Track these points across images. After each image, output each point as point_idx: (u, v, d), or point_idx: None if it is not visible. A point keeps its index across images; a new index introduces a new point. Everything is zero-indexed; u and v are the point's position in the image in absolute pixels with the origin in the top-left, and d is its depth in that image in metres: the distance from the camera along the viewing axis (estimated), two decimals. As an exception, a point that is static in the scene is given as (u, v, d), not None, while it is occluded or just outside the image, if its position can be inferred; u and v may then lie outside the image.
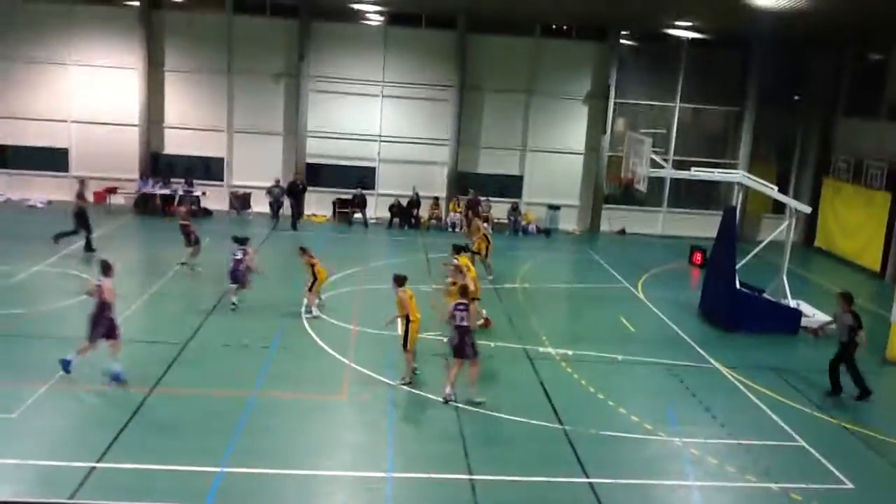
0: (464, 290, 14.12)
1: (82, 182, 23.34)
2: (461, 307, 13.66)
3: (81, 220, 22.13)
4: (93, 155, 30.14)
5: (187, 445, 11.59)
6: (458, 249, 18.36)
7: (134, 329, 16.58)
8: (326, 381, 14.50)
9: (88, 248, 22.28)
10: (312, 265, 18.14)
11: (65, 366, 13.55)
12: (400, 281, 14.48)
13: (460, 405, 13.55)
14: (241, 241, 18.64)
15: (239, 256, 18.25)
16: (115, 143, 30.05)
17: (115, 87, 29.91)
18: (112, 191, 29.32)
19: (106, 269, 13.78)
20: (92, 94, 29.99)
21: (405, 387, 14.33)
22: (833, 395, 15.64)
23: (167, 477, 10.68)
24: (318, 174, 30.96)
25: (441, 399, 13.66)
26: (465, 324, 13.60)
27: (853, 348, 15.54)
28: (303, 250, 18.37)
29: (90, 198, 25.45)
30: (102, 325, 13.49)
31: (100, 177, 29.74)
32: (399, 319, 14.51)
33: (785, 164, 33.05)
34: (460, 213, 30.75)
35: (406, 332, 14.24)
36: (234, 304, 18.18)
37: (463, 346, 13.62)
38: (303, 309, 18.31)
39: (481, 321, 17.09)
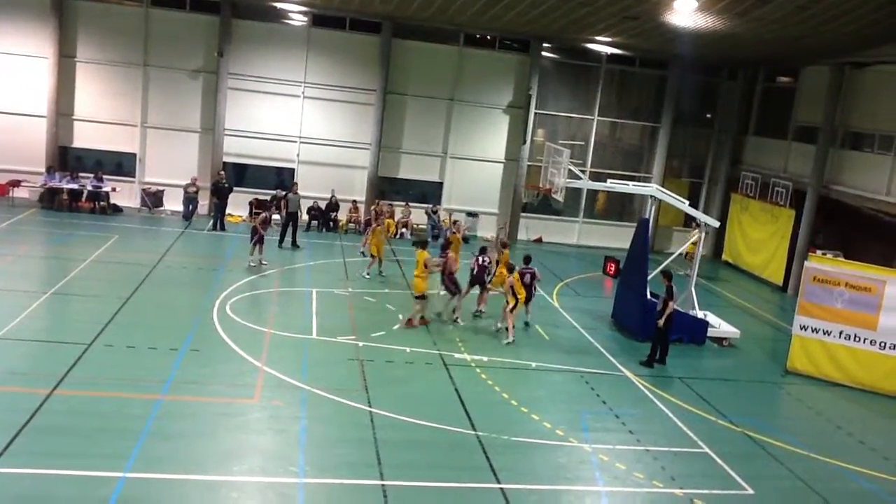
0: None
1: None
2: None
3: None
4: (-4, 145, 28.80)
5: (88, 450, 11.13)
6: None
7: (34, 328, 15.92)
8: (237, 385, 14.17)
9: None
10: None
11: None
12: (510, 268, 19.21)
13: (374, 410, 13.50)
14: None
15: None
16: (21, 135, 28.66)
17: (23, 76, 28.56)
18: (16, 184, 28.03)
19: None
20: (-3, 83, 28.66)
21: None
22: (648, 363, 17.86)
23: (66, 483, 10.24)
24: (235, 173, 30.35)
25: None
26: None
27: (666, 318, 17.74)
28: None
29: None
30: None
31: (3, 169, 28.48)
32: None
33: (696, 180, 34.21)
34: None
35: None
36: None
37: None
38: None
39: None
